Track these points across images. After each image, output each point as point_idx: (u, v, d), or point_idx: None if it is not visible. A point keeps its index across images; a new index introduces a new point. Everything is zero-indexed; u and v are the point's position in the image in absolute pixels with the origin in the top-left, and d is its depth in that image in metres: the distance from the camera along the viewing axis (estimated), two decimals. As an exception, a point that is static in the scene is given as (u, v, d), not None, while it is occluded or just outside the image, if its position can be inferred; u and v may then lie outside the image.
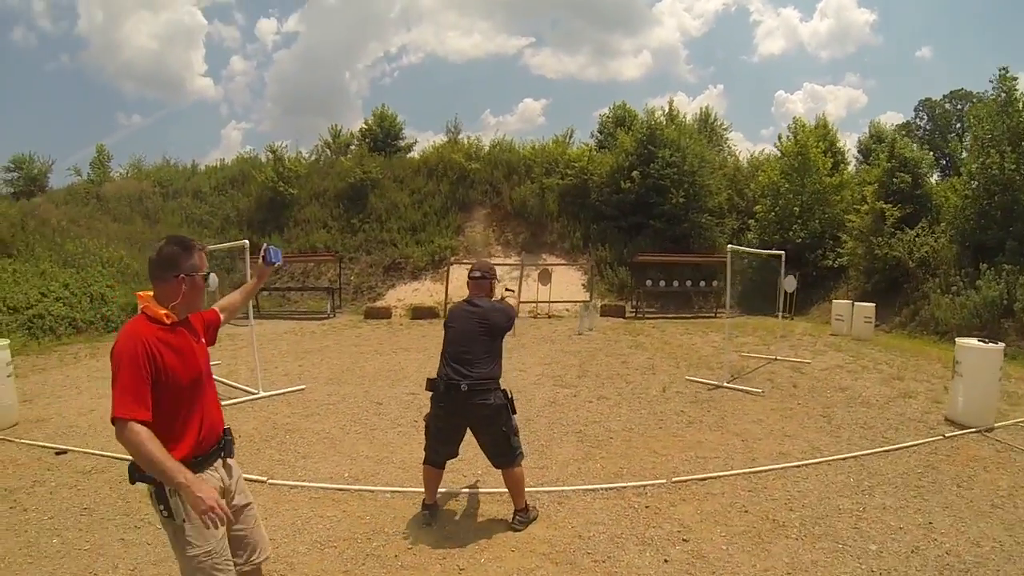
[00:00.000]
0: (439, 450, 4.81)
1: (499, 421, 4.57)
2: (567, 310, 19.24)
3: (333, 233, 23.43)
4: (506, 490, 4.87)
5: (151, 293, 2.72)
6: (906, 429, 7.12)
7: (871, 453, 6.30)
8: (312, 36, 70.88)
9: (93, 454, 6.54)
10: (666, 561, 4.23)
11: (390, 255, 22.49)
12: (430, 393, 4.72)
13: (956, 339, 7.64)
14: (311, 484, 5.70)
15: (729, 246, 9.70)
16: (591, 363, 11.25)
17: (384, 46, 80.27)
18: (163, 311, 2.66)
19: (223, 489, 2.79)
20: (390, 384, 9.78)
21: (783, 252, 12.54)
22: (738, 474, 5.83)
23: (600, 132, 29.77)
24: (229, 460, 2.91)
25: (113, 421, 2.41)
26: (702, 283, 18.56)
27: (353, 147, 28.15)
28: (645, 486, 5.56)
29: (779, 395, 8.74)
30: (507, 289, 5.45)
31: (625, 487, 5.54)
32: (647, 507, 5.12)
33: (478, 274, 4.88)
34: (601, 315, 18.13)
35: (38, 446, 6.87)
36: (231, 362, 10.98)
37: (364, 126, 28.76)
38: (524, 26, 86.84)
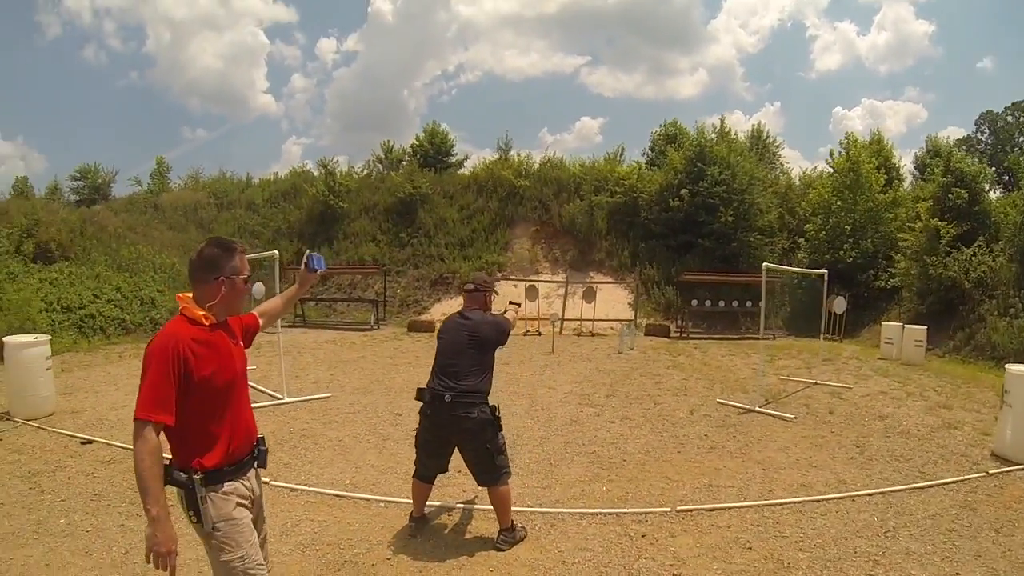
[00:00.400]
0: (427, 464, 4.72)
1: (483, 437, 4.43)
2: (612, 328, 18.76)
3: (382, 247, 23.55)
4: (477, 505, 4.90)
5: (191, 295, 2.68)
6: (946, 464, 6.49)
7: (902, 489, 5.73)
8: (371, 55, 72.70)
9: (114, 445, 6.89)
10: None
11: (437, 269, 22.44)
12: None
13: (1006, 366, 6.98)
14: (310, 488, 5.72)
15: (765, 264, 9.22)
16: (624, 383, 10.87)
17: (441, 64, 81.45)
18: (201, 312, 2.61)
19: (252, 501, 2.72)
20: (410, 396, 9.55)
21: (825, 271, 11.81)
22: (750, 506, 5.40)
23: (652, 150, 29.32)
24: (260, 470, 2.85)
25: (134, 420, 2.38)
26: (749, 303, 17.76)
27: (405, 162, 28.35)
28: (647, 513, 5.24)
29: (812, 422, 8.17)
30: (511, 303, 5.23)
31: (626, 513, 5.25)
32: (644, 536, 4.81)
33: (472, 287, 4.81)
34: (645, 334, 17.67)
35: (67, 435, 7.30)
36: (265, 368, 11.05)
37: (415, 142, 29.01)
38: (580, 45, 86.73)
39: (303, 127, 78.14)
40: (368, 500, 5.46)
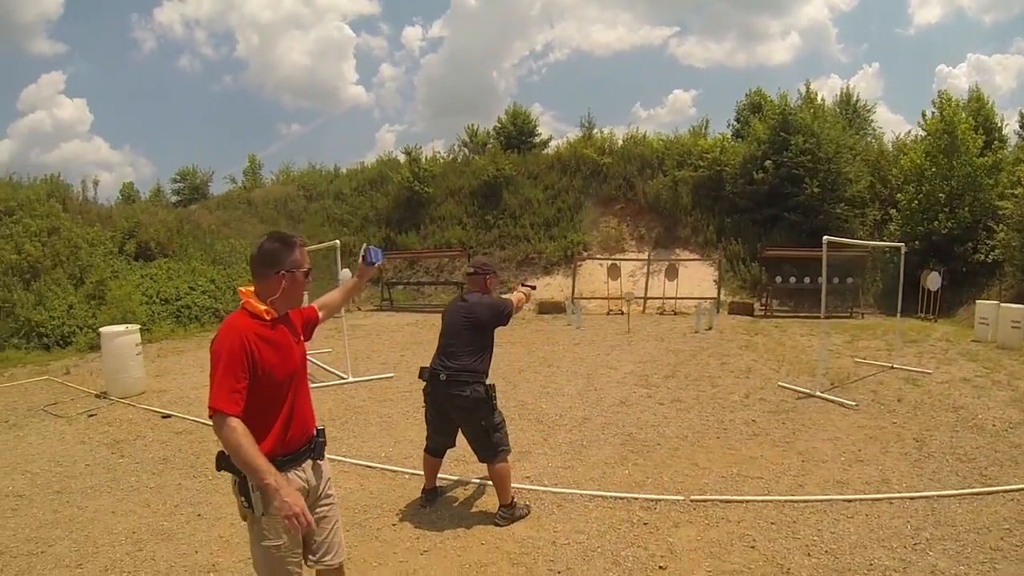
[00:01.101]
0: (435, 439, 4.93)
1: (478, 415, 4.58)
2: (695, 307, 18.11)
3: (468, 229, 23.74)
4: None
5: (252, 288, 2.72)
6: (1015, 467, 5.63)
7: (951, 494, 5.03)
8: (457, 39, 72.60)
9: (189, 419, 7.84)
10: None
11: (523, 250, 22.43)
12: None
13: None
14: (345, 459, 6.12)
15: (825, 237, 8.46)
16: (688, 363, 10.50)
17: (529, 44, 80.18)
18: (263, 307, 2.65)
19: (306, 491, 2.73)
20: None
21: (902, 245, 10.79)
22: (769, 501, 5.04)
23: (737, 121, 27.71)
24: (319, 462, 2.85)
25: (211, 414, 2.44)
26: (836, 280, 16.52)
27: (489, 145, 28.29)
28: (659, 501, 5.07)
29: (875, 410, 7.50)
30: (524, 284, 5.34)
31: (636, 499, 5.13)
32: (646, 524, 4.67)
33: (472, 270, 4.95)
34: (729, 313, 17.02)
35: (151, 411, 8.35)
36: (340, 349, 11.25)
37: (498, 124, 28.86)
38: (667, 15, 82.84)
39: (395, 115, 79.60)
40: (395, 472, 5.77)
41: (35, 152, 59.45)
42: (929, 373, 9.29)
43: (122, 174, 71.98)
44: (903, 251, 10.32)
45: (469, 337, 4.64)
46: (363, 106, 77.72)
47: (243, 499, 2.57)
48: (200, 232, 21.37)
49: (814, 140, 18.75)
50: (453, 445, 4.97)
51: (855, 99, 27.58)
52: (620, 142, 25.48)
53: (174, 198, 33.88)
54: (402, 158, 26.61)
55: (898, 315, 11.20)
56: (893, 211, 18.17)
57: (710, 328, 14.30)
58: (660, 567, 4.06)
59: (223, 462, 2.59)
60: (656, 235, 21.97)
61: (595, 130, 27.00)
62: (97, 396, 9.24)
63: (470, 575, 4.04)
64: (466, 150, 28.88)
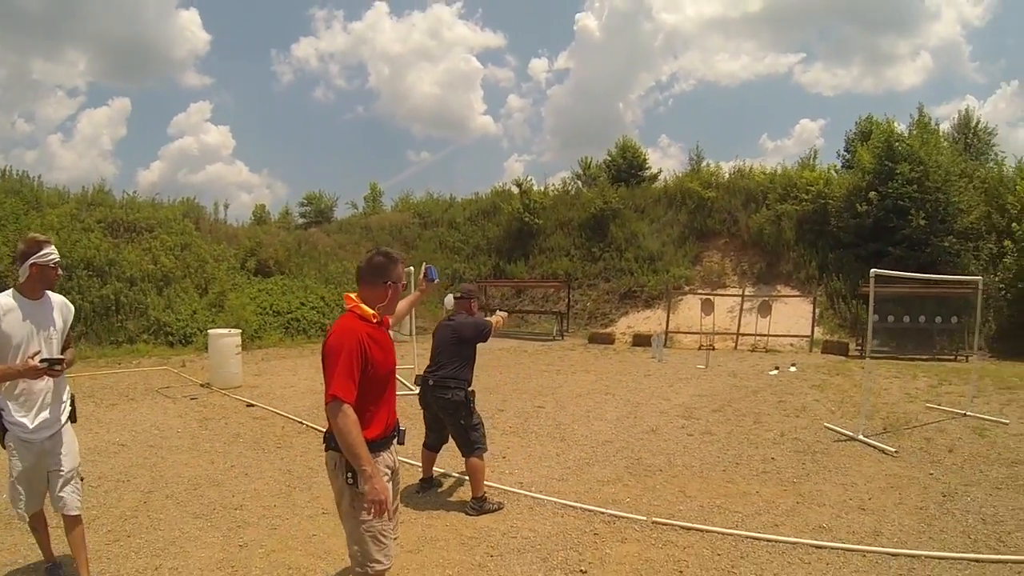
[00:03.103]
0: (429, 436, 5.65)
1: (458, 414, 5.22)
2: (791, 345, 17.02)
3: (575, 261, 23.73)
4: (491, 483, 5.61)
5: (355, 295, 3.06)
6: None
7: (944, 557, 4.32)
8: (582, 71, 72.19)
9: (268, 409, 9.09)
10: None
11: (626, 283, 22.11)
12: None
13: None
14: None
15: (873, 271, 7.74)
16: (744, 400, 9.90)
17: (654, 75, 78.37)
18: (371, 311, 2.98)
19: (393, 470, 3.11)
20: (529, 397, 10.19)
21: (980, 279, 9.57)
22: (729, 534, 4.72)
23: (847, 150, 25.67)
24: (398, 446, 3.22)
25: (330, 399, 2.73)
26: (939, 319, 14.91)
27: (601, 178, 28.13)
28: (622, 518, 5.05)
29: (916, 459, 6.65)
30: (500, 310, 6.11)
31: (603, 512, 5.15)
32: (596, 535, 4.74)
33: (459, 295, 5.67)
34: (822, 352, 15.76)
35: (241, 400, 9.72)
36: (422, 363, 11.70)
37: (608, 157, 28.67)
38: (791, 41, 77.77)
39: (523, 144, 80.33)
40: (413, 464, 6.09)
41: (182, 172, 65.41)
42: (1005, 423, 8.06)
43: (259, 195, 78.02)
44: (980, 285, 9.19)
45: (455, 350, 5.30)
46: (491, 136, 79.27)
47: (348, 475, 2.82)
48: (316, 253, 23.01)
49: (921, 168, 17.07)
50: (446, 441, 5.57)
51: (975, 122, 24.96)
52: (727, 175, 24.58)
53: (300, 220, 35.85)
54: (515, 190, 27.01)
55: (974, 355, 9.96)
56: (1008, 242, 16.09)
57: (793, 366, 13.35)
58: (582, 571, 4.12)
59: (331, 442, 2.89)
60: (758, 270, 20.80)
61: (704, 163, 26.26)
62: (202, 385, 10.93)
63: (421, 545, 4.51)
64: (579, 182, 28.86)
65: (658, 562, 4.26)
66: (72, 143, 64.38)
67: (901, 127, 20.42)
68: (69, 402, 3.70)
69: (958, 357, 14.49)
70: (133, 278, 16.53)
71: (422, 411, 5.59)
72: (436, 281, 3.95)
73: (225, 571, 4.12)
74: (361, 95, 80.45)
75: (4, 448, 3.52)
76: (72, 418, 3.72)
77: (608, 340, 18.60)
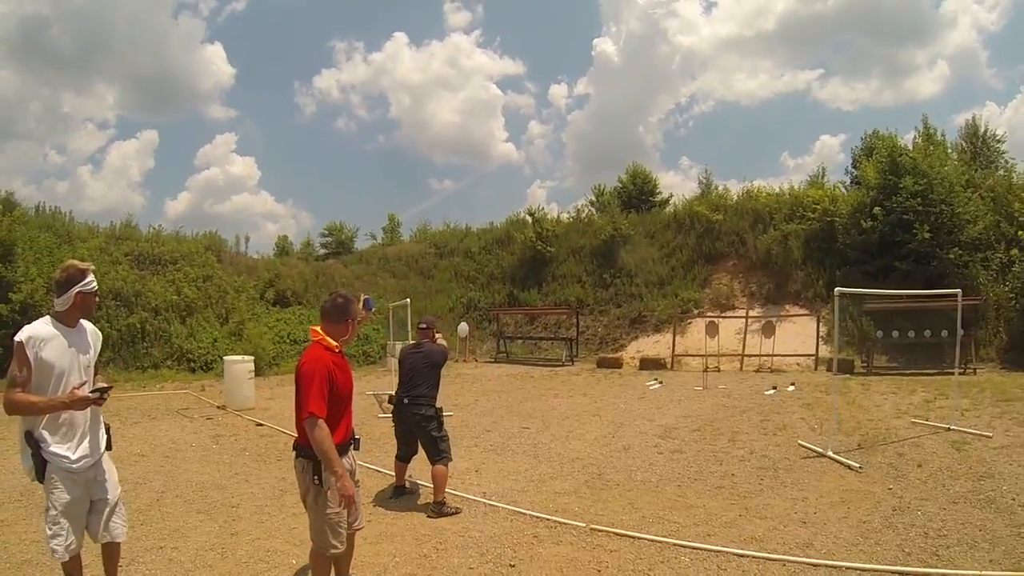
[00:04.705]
0: (401, 448, 6.13)
1: (428, 427, 5.75)
2: (797, 364, 16.62)
3: (586, 288, 23.61)
4: (459, 492, 6.08)
5: (319, 328, 3.63)
6: (987, 551, 4.46)
7: (871, 569, 4.17)
8: (602, 96, 71.24)
9: (274, 427, 9.64)
10: (471, 569, 4.36)
11: (636, 308, 21.93)
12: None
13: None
14: (364, 465, 6.80)
15: (837, 289, 7.56)
16: (727, 420, 9.70)
17: (673, 97, 76.77)
18: (335, 343, 3.58)
19: (351, 471, 3.62)
20: (519, 419, 10.21)
21: (959, 291, 9.23)
22: (657, 540, 4.76)
23: (854, 167, 25.04)
24: (355, 452, 3.81)
25: (306, 416, 3.31)
26: (945, 333, 14.30)
27: (613, 204, 28.01)
28: (563, 524, 5.19)
29: (880, 474, 6.41)
30: (437, 333, 6.51)
31: (548, 519, 5.32)
32: (535, 537, 4.94)
33: (424, 325, 6.41)
34: (827, 370, 15.32)
35: (251, 420, 10.32)
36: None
37: (619, 183, 28.57)
38: (808, 57, 75.63)
39: (545, 171, 79.20)
40: (384, 473, 6.72)
41: (208, 203, 64.83)
42: (988, 437, 7.71)
43: (285, 225, 77.85)
44: (959, 298, 8.88)
45: (427, 373, 5.93)
46: (514, 163, 78.08)
47: (316, 477, 3.39)
48: (333, 284, 23.23)
49: (925, 181, 16.63)
50: (415, 453, 6.05)
51: (983, 130, 24.31)
52: (735, 197, 24.34)
53: (321, 251, 35.88)
54: (528, 219, 27.00)
55: (956, 369, 9.54)
56: (1015, 251, 15.50)
57: (792, 386, 13.00)
58: (511, 565, 4.39)
59: (301, 451, 3.50)
60: (766, 291, 20.39)
61: (713, 186, 26.03)
62: (217, 407, 11.47)
63: (381, 539, 4.93)
64: (592, 209, 28.77)
65: (581, 562, 4.41)
66: (102, 174, 65.83)
67: (905, 140, 20.07)
68: (105, 430, 3.61)
69: (966, 370, 13.89)
70: (158, 308, 17.20)
71: (395, 426, 6.12)
72: (373, 310, 4.49)
73: (216, 552, 4.72)
74: (382, 125, 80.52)
75: (42, 482, 3.28)
76: (108, 446, 3.61)
77: (616, 364, 18.41)
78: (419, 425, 5.79)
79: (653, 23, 68.27)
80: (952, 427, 8.23)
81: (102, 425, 3.58)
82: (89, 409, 3.39)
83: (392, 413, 6.11)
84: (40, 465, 3.25)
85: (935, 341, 14.65)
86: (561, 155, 79.09)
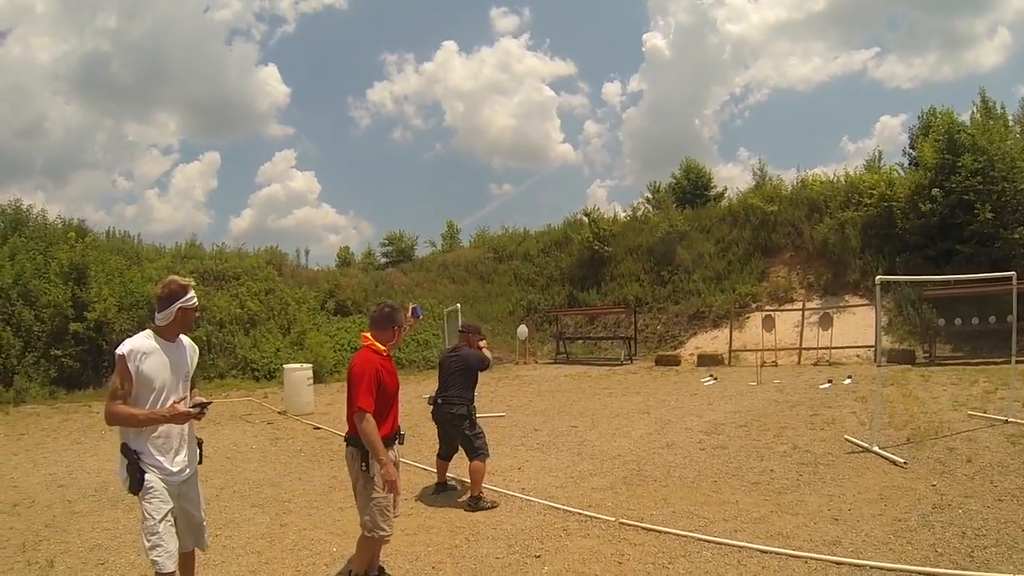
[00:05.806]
0: (441, 447, 6.43)
1: (462, 425, 5.97)
2: (857, 356, 16.09)
3: (644, 286, 23.38)
4: (499, 488, 6.27)
5: (369, 334, 4.04)
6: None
7: (895, 569, 4.07)
8: (656, 91, 69.03)
9: (331, 431, 9.86)
10: (497, 559, 4.53)
11: (694, 304, 21.61)
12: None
13: None
14: (412, 463, 7.23)
15: (878, 278, 7.35)
16: (775, 415, 9.53)
17: (727, 89, 73.69)
18: (383, 347, 3.99)
19: (396, 462, 3.93)
20: (569, 417, 10.33)
21: (1013, 273, 8.71)
22: (681, 535, 4.81)
23: (912, 147, 23.63)
24: (399, 445, 4.14)
25: (357, 410, 3.70)
26: (1009, 318, 13.49)
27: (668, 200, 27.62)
28: (593, 518, 5.31)
29: (926, 470, 6.20)
30: (481, 342, 6.65)
31: (580, 513, 5.42)
32: (564, 530, 5.07)
33: (462, 329, 6.73)
34: (888, 361, 14.81)
35: (310, 424, 10.75)
36: (483, 392, 12.04)
37: (672, 179, 28.15)
38: (862, 36, 70.25)
39: (604, 170, 77.71)
40: (428, 471, 6.89)
41: (271, 218, 66.31)
42: (1049, 429, 7.34)
43: (347, 236, 78.18)
44: (1014, 281, 8.47)
45: (460, 377, 6.14)
46: (572, 164, 76.72)
47: (363, 464, 3.76)
48: (392, 292, 23.75)
49: (985, 158, 15.62)
50: (456, 451, 6.25)
51: None
52: (789, 187, 23.66)
53: (382, 260, 35.82)
54: (584, 219, 26.84)
55: (1013, 358, 8.99)
56: None
57: (849, 378, 12.65)
58: (536, 556, 4.54)
59: (351, 441, 3.87)
60: (824, 281, 19.71)
61: (767, 177, 25.37)
62: (279, 413, 11.96)
63: (416, 531, 5.17)
64: (648, 206, 28.41)
65: (604, 554, 4.50)
66: (168, 197, 68.39)
67: (965, 116, 18.96)
68: (198, 444, 3.58)
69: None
70: (222, 321, 17.99)
71: (436, 427, 6.37)
72: (420, 318, 4.77)
73: (265, 540, 5.11)
74: (438, 133, 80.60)
75: (138, 494, 3.24)
76: (200, 459, 3.59)
77: (674, 362, 18.25)
78: (452, 424, 6.04)
79: (701, 13, 66.54)
80: (1010, 419, 7.85)
81: (195, 439, 3.55)
82: (186, 423, 3.41)
83: (431, 414, 6.36)
84: (137, 476, 3.22)
85: (1001, 328, 13.86)
86: (619, 153, 77.75)
